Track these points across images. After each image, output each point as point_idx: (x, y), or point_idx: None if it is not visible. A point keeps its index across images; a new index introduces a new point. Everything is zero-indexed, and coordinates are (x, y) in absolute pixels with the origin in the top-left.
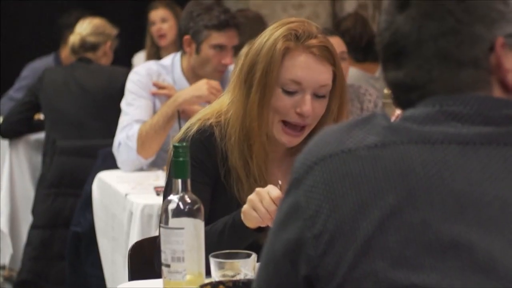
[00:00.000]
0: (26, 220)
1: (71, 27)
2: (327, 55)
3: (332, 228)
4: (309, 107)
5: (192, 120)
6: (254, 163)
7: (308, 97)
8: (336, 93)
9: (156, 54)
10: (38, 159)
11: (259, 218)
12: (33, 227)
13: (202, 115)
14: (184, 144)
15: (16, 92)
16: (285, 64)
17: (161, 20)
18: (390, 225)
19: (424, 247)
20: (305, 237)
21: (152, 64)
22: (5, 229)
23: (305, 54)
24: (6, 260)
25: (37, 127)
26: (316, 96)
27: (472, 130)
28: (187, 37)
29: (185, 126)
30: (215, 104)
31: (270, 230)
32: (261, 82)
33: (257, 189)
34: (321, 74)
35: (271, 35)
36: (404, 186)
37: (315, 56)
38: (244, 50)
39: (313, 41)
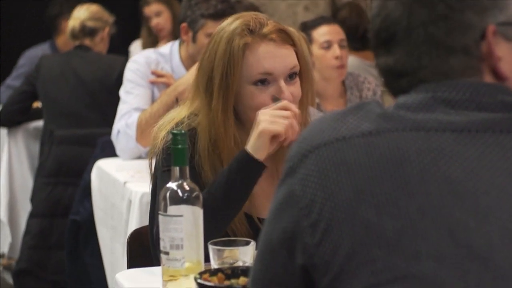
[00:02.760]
0: (25, 209)
1: (61, 15)
2: (285, 37)
3: (328, 216)
4: (288, 93)
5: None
6: None
7: (283, 84)
8: (303, 72)
9: (153, 44)
10: (37, 148)
11: (282, 128)
12: (32, 216)
13: (165, 124)
14: (183, 131)
15: (13, 80)
16: (248, 60)
17: (155, 15)
18: (386, 213)
19: (421, 235)
20: (301, 225)
21: (151, 52)
22: (4, 218)
23: (264, 43)
24: (5, 249)
25: (35, 115)
26: (289, 79)
27: (466, 117)
28: (184, 25)
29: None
30: (172, 113)
31: (266, 219)
32: (222, 86)
33: (264, 111)
34: (287, 58)
35: (220, 39)
36: (399, 174)
37: (275, 42)
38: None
39: (268, 28)
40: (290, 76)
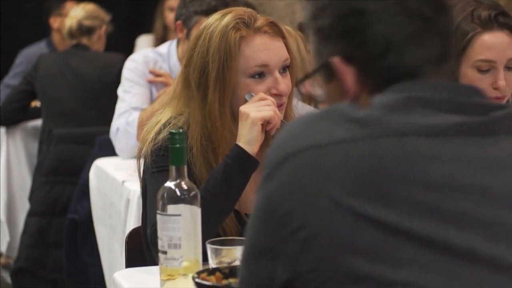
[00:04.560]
0: (23, 208)
1: (50, 12)
2: (277, 30)
3: (307, 225)
4: (284, 84)
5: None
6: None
7: (278, 76)
8: (291, 67)
9: (163, 38)
10: (35, 146)
11: (271, 113)
12: (30, 214)
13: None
14: (181, 130)
15: (11, 79)
16: (244, 53)
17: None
18: (366, 223)
19: (402, 243)
20: (282, 234)
21: (149, 51)
22: (2, 216)
23: (258, 36)
24: (3, 248)
25: (34, 114)
26: (282, 72)
27: (442, 120)
28: (178, 23)
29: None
30: (158, 115)
31: (249, 223)
32: (219, 80)
33: (245, 105)
34: (280, 50)
35: (211, 34)
36: (376, 185)
37: (268, 35)
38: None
39: (260, 21)
40: (283, 69)
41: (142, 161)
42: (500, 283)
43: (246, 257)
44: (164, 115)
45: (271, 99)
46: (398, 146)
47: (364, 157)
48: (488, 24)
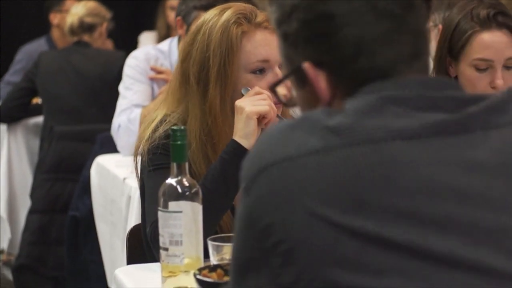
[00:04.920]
0: (24, 205)
1: (50, 8)
2: None
3: (287, 238)
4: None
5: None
6: None
7: (279, 71)
8: None
9: (166, 36)
10: (37, 144)
11: (267, 107)
12: (31, 212)
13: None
14: (182, 127)
15: (11, 76)
16: (246, 48)
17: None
18: (344, 233)
19: (382, 251)
20: (263, 247)
21: (150, 48)
22: (3, 214)
23: (259, 32)
24: (4, 245)
25: (35, 111)
26: (280, 68)
27: (416, 121)
28: (178, 18)
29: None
30: (153, 113)
31: (233, 237)
32: (220, 75)
33: (241, 99)
34: None
35: (212, 28)
36: (353, 195)
37: (269, 30)
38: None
39: (261, 17)
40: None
41: (139, 159)
42: (482, 287)
43: (233, 270)
44: (160, 112)
45: (266, 93)
46: (373, 153)
47: (339, 167)
48: (486, 23)
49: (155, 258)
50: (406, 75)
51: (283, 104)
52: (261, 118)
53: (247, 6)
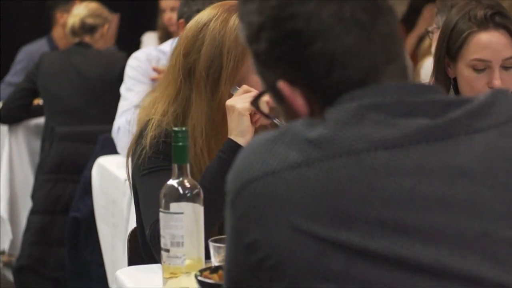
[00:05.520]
0: (25, 206)
1: (56, 6)
2: None
3: (272, 253)
4: None
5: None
6: None
7: None
8: None
9: (166, 38)
10: (38, 144)
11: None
12: (33, 212)
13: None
14: (184, 128)
15: (13, 77)
16: None
17: (170, 9)
18: (329, 247)
19: (369, 264)
20: (251, 263)
21: (152, 49)
22: (4, 214)
23: None
24: (5, 246)
25: (36, 112)
26: None
27: (398, 129)
28: (181, 21)
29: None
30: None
31: (225, 249)
32: (233, 74)
33: (230, 99)
34: None
35: (225, 24)
36: (336, 208)
37: None
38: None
39: None
40: None
41: (130, 161)
42: None
43: (226, 282)
44: (153, 112)
45: (255, 91)
46: (354, 164)
47: (320, 180)
48: (483, 23)
49: (152, 261)
50: (383, 81)
51: (266, 116)
52: (253, 114)
53: None
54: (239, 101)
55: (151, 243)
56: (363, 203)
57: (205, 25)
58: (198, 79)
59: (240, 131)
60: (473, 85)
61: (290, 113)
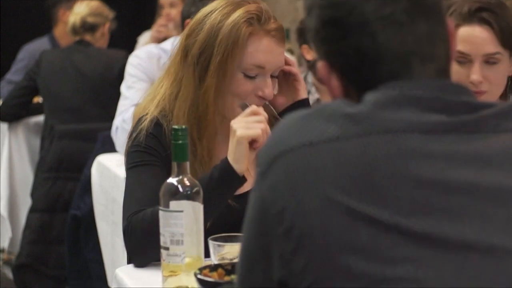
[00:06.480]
0: (25, 204)
1: (58, 3)
2: (283, 36)
3: (300, 223)
4: (271, 89)
5: (135, 119)
6: (204, 145)
7: (269, 80)
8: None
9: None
10: (37, 142)
11: (259, 132)
12: (32, 210)
13: (141, 109)
14: (183, 126)
15: (13, 75)
16: (248, 49)
17: (169, 5)
18: (359, 220)
19: (397, 240)
20: (276, 233)
21: (153, 47)
22: (4, 212)
23: (266, 38)
24: (5, 244)
25: (36, 110)
26: (272, 77)
27: (434, 118)
28: (188, 21)
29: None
30: (149, 95)
31: (244, 224)
32: (221, 67)
33: (237, 119)
34: (280, 56)
35: (226, 17)
36: (369, 183)
37: (275, 39)
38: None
39: (273, 25)
40: (273, 75)
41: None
42: (492, 268)
43: (242, 256)
44: (148, 106)
45: (263, 115)
46: (391, 143)
47: (356, 155)
48: (467, 18)
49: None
50: (419, 76)
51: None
52: (252, 141)
53: (265, 8)
54: (242, 125)
55: (124, 235)
56: (396, 181)
57: (210, 12)
58: (189, 63)
59: (236, 157)
60: (454, 77)
61: (330, 92)
